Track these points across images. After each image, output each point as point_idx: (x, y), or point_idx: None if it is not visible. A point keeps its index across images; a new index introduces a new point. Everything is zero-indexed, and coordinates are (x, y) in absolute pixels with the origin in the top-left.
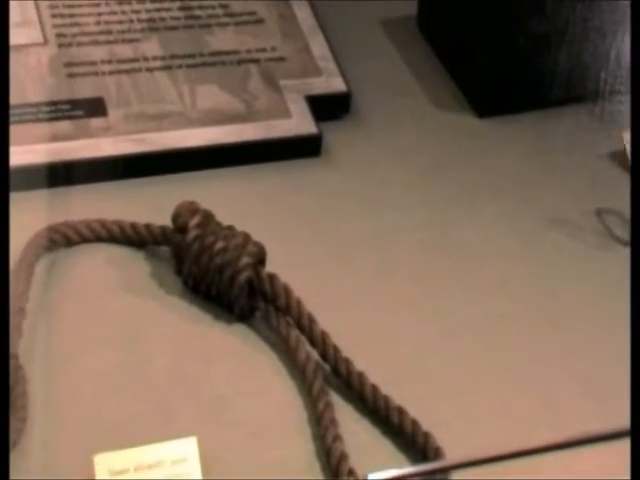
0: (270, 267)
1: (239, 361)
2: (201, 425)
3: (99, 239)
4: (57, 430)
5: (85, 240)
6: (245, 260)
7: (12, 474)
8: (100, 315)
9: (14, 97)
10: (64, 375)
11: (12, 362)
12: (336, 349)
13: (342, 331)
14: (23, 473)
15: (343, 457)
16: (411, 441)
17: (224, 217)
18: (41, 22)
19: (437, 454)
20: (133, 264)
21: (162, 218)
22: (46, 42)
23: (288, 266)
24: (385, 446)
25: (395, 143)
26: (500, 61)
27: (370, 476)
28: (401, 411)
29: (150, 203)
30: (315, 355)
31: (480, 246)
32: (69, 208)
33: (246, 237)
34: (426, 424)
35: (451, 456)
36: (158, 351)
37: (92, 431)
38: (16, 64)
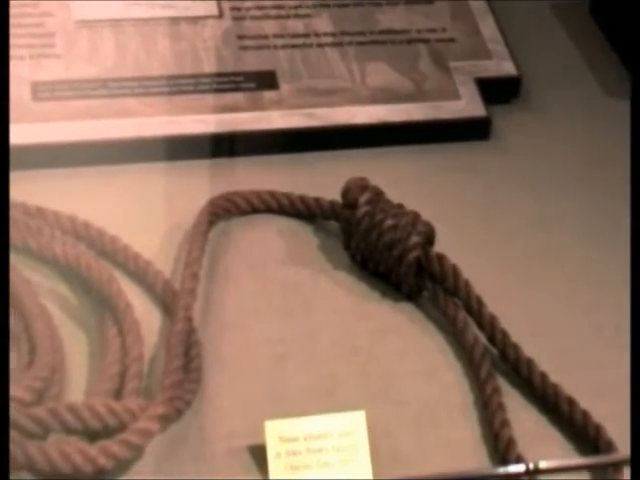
0: (436, 248)
1: (405, 339)
2: (368, 400)
3: (269, 210)
4: (229, 394)
5: (255, 210)
6: (414, 239)
7: (186, 433)
8: (269, 285)
9: (189, 67)
10: (235, 341)
11: (187, 325)
12: (504, 333)
13: (510, 316)
14: (195, 431)
15: (511, 443)
16: (581, 432)
17: (390, 195)
18: None
19: (609, 448)
20: (302, 237)
21: (329, 193)
22: (221, 15)
23: (453, 248)
24: (552, 435)
25: (564, 129)
26: None
27: (542, 464)
28: (571, 401)
29: (317, 178)
30: (483, 338)
31: None
32: (238, 178)
33: (416, 216)
34: (596, 416)
35: (623, 451)
36: (325, 324)
37: (262, 397)
38: (192, 35)
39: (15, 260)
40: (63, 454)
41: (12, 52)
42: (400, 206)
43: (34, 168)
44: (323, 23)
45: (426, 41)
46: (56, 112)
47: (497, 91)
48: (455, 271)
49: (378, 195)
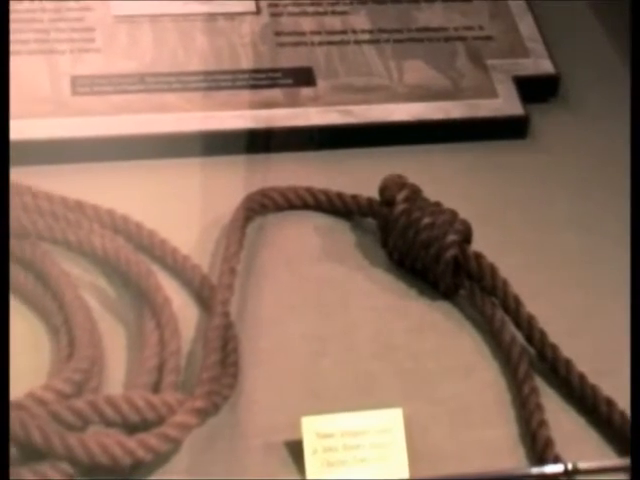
0: (472, 247)
1: (442, 338)
2: (404, 397)
3: (306, 206)
4: (265, 389)
5: (292, 206)
6: (452, 237)
7: (223, 428)
8: (306, 281)
9: (227, 63)
10: (272, 336)
11: (225, 319)
12: (542, 333)
13: (548, 316)
14: (232, 426)
15: (549, 443)
16: (619, 433)
17: (427, 193)
18: None
19: None
20: (339, 234)
21: (365, 190)
22: (259, 11)
23: (490, 247)
24: (590, 436)
25: (603, 128)
26: None
27: (581, 465)
28: (610, 402)
29: (354, 175)
30: (520, 338)
31: None
32: (275, 174)
33: (453, 214)
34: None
35: None
36: (362, 321)
37: (299, 393)
38: (230, 31)
39: (55, 253)
40: (102, 446)
41: (53, 46)
42: (437, 204)
43: (73, 162)
44: (360, 20)
45: (463, 39)
46: (95, 106)
47: (535, 90)
48: (492, 270)
49: (415, 193)
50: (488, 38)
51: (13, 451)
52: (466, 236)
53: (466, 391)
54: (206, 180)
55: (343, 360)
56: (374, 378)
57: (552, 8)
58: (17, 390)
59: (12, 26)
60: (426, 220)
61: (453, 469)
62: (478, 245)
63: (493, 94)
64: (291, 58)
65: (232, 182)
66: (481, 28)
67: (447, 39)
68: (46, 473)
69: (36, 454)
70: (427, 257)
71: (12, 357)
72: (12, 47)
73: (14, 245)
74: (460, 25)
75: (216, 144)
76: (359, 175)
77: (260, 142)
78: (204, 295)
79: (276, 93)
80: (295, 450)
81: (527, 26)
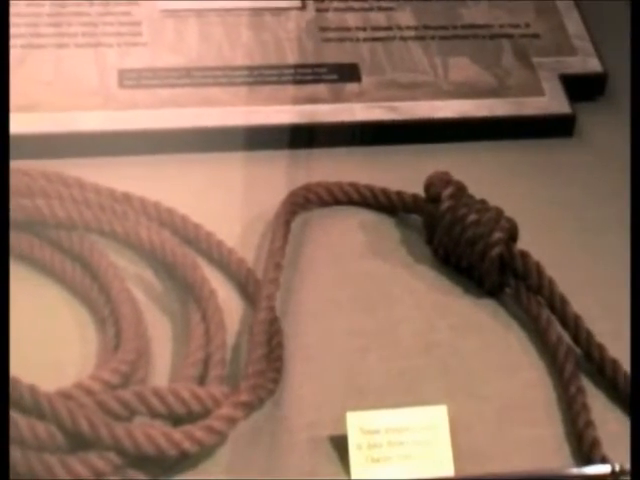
0: (518, 245)
1: (487, 336)
2: (449, 394)
3: (351, 202)
4: (310, 384)
5: (337, 202)
6: (497, 235)
7: (267, 422)
8: (350, 277)
9: (272, 58)
10: (316, 331)
11: (270, 314)
12: (589, 333)
13: (594, 316)
14: (277, 420)
15: (595, 444)
16: None
17: (472, 191)
18: None
19: None
20: (384, 230)
21: (409, 186)
22: (304, 7)
23: (536, 245)
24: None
25: None
26: None
27: (628, 465)
28: None
29: (398, 171)
30: (566, 337)
31: None
32: (319, 170)
33: (499, 212)
34: None
35: None
36: (407, 317)
37: (343, 389)
38: (276, 26)
39: (102, 244)
40: (148, 436)
41: (101, 40)
42: (483, 201)
43: (120, 154)
44: (406, 17)
45: (509, 36)
46: (142, 100)
47: (582, 88)
48: (539, 268)
49: (461, 190)
50: (534, 36)
51: (61, 439)
52: (512, 234)
53: (511, 390)
54: (250, 174)
55: (387, 356)
56: (418, 375)
57: (599, 5)
58: (65, 380)
59: (61, 19)
60: (472, 217)
61: (498, 467)
62: (523, 243)
63: (539, 92)
64: (336, 54)
65: (276, 177)
66: (527, 26)
67: (493, 36)
68: (93, 462)
69: (83, 443)
70: (473, 255)
71: (59, 347)
72: (60, 40)
73: (62, 236)
74: (506, 22)
75: (261, 139)
76: (403, 171)
77: (304, 137)
78: (249, 289)
79: (321, 88)
80: (339, 445)
81: (574, 24)
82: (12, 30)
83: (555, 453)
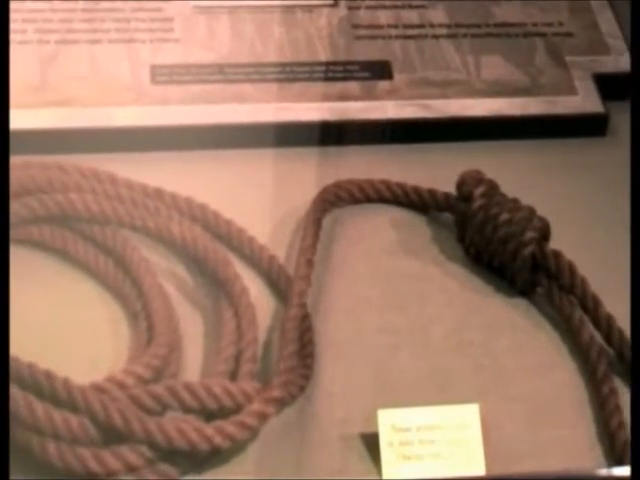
0: (549, 244)
1: (519, 335)
2: (480, 393)
3: (382, 200)
4: (341, 381)
5: (369, 199)
6: (530, 234)
7: (299, 418)
8: (382, 274)
9: (304, 55)
10: (347, 329)
11: (301, 310)
12: (621, 333)
13: (626, 317)
14: (308, 417)
15: (628, 445)
16: None
17: (504, 189)
18: None
19: None
20: (415, 228)
21: (441, 184)
22: (336, 4)
23: (567, 245)
24: None
25: None
26: None
27: None
28: None
29: (430, 169)
30: (599, 338)
31: None
32: (350, 167)
33: (531, 211)
34: None
35: None
36: (438, 316)
37: (374, 386)
38: (307, 23)
39: (135, 239)
40: (180, 431)
41: (133, 35)
42: (515, 200)
43: (152, 150)
44: (438, 14)
45: (542, 35)
46: (174, 95)
47: (615, 87)
48: (571, 268)
49: (493, 188)
50: (567, 34)
51: (94, 432)
52: (544, 233)
53: (543, 389)
54: (281, 171)
55: (418, 354)
56: (449, 373)
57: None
58: (97, 374)
59: (94, 15)
60: (504, 216)
61: (529, 467)
62: (555, 243)
63: (572, 91)
64: (368, 51)
65: (307, 174)
66: (560, 24)
67: (526, 35)
68: (126, 455)
69: (116, 436)
70: (505, 254)
71: (92, 341)
72: (94, 36)
73: (96, 231)
74: (539, 21)
75: (291, 135)
76: (435, 169)
77: (336, 134)
78: (280, 285)
79: (353, 86)
80: (370, 443)
81: (607, 22)
82: (46, 26)
83: (587, 454)
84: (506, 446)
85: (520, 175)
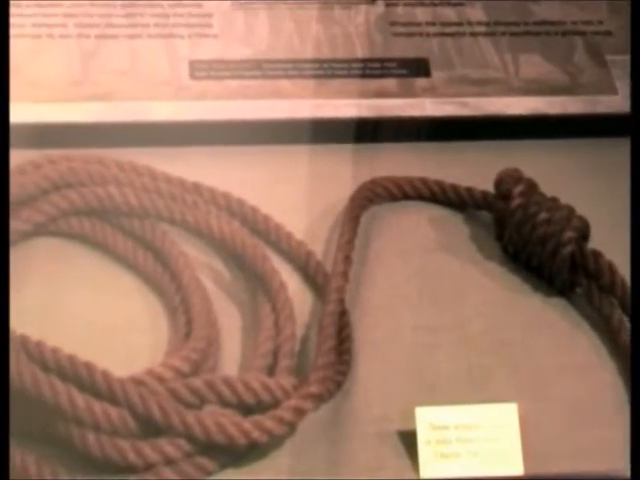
0: (589, 244)
1: (558, 335)
2: (518, 393)
3: (420, 197)
4: (378, 377)
5: (406, 196)
6: (569, 234)
7: (336, 414)
8: (419, 272)
9: (342, 52)
10: (385, 325)
11: (339, 307)
12: None
13: None
14: (346, 413)
15: None
16: None
17: (542, 188)
18: None
19: None
20: (453, 225)
21: (479, 183)
22: (374, 1)
23: (606, 245)
24: None
25: None
26: None
27: None
28: None
29: (467, 167)
30: None
31: None
32: (387, 164)
33: (570, 210)
34: None
35: None
36: (476, 314)
37: (411, 383)
38: (345, 20)
39: (173, 233)
40: (219, 425)
41: (172, 31)
42: (554, 199)
43: (191, 144)
44: (476, 12)
45: (582, 34)
46: (212, 91)
47: None
48: (611, 268)
49: (532, 187)
50: (607, 33)
51: (133, 424)
52: (584, 233)
53: (581, 390)
54: (318, 167)
55: (456, 353)
56: (487, 372)
57: None
58: (136, 366)
59: (133, 10)
60: (543, 215)
61: (568, 468)
62: (594, 243)
63: (612, 90)
64: (405, 48)
65: (344, 170)
66: (600, 23)
67: (565, 33)
68: (164, 448)
69: (155, 429)
70: (543, 253)
71: (131, 334)
72: (132, 31)
73: (135, 225)
74: (578, 19)
75: (329, 132)
76: (472, 168)
77: (373, 131)
78: (318, 281)
79: (390, 83)
80: (407, 440)
81: None
82: (86, 20)
83: (625, 456)
84: (544, 446)
85: (559, 174)
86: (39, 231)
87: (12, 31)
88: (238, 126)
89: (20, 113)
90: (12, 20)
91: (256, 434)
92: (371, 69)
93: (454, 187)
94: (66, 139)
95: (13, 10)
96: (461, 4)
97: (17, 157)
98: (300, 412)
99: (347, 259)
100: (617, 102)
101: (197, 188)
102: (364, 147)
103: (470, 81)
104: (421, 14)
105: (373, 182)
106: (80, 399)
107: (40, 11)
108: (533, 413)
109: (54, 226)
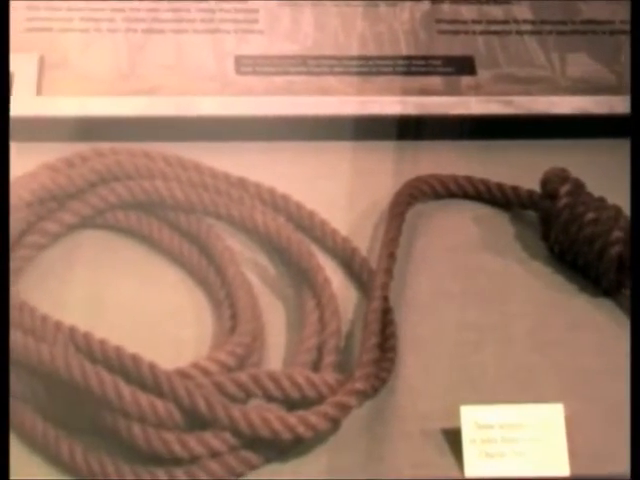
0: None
1: (603, 336)
2: (563, 393)
3: (465, 195)
4: (422, 375)
5: (452, 195)
6: (617, 234)
7: (380, 411)
8: (464, 270)
9: (387, 49)
10: (429, 323)
11: (384, 303)
12: None
13: None
14: (390, 410)
15: None
16: None
17: (589, 188)
18: None
19: None
20: (498, 224)
21: (524, 182)
22: None
23: None
24: None
25: None
26: None
27: None
28: None
29: (513, 166)
30: None
31: None
32: (432, 162)
33: (618, 211)
34: None
35: None
36: (520, 313)
37: (456, 382)
38: (391, 17)
39: (219, 228)
40: (264, 419)
41: (218, 26)
42: (601, 199)
43: (236, 139)
44: (522, 10)
45: (629, 33)
46: (257, 86)
47: None
48: None
49: (579, 187)
50: None
51: (178, 417)
52: None
53: (627, 391)
54: (363, 164)
55: (501, 352)
56: (532, 372)
57: None
58: (181, 360)
59: (179, 5)
60: (590, 215)
61: (614, 470)
62: None
63: None
64: (451, 46)
65: (389, 167)
66: None
67: (612, 32)
68: (209, 441)
69: (200, 422)
70: (590, 253)
71: (176, 327)
72: (179, 26)
73: (180, 218)
74: (626, 19)
75: (374, 128)
76: (518, 167)
77: (417, 129)
78: (363, 278)
79: (436, 81)
80: (452, 438)
81: None
82: (133, 15)
83: None
84: (590, 447)
85: (606, 174)
86: (86, 224)
87: (60, 25)
88: (283, 122)
89: (68, 106)
90: (60, 14)
91: (301, 429)
92: (416, 66)
93: (499, 186)
94: (113, 132)
95: (62, 4)
96: (508, 2)
97: (65, 150)
98: (344, 408)
99: (391, 256)
100: None
101: (242, 183)
102: (408, 144)
103: (516, 79)
104: (467, 12)
105: (418, 179)
106: (127, 391)
107: (88, 5)
108: (578, 413)
109: (101, 219)
